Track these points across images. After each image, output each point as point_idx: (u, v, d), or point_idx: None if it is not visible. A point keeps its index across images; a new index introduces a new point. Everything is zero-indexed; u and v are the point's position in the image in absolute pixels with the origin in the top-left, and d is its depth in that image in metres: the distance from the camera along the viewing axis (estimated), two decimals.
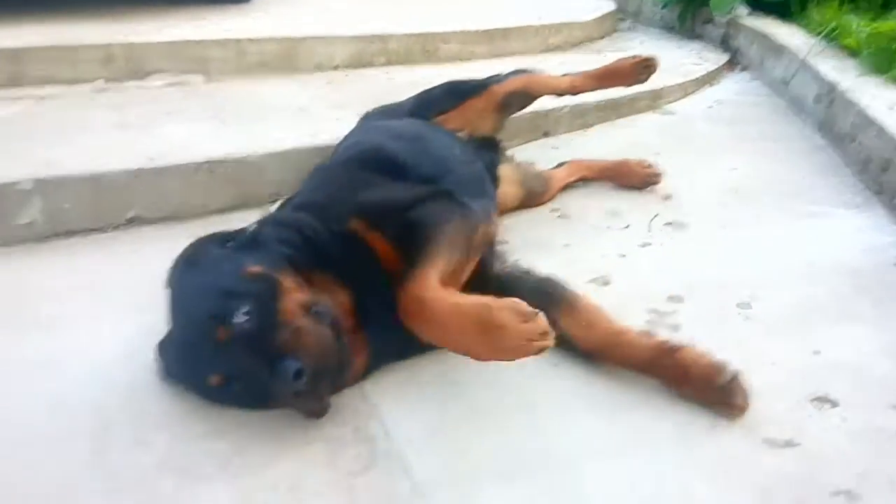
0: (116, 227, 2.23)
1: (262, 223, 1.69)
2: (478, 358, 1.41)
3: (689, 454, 1.40)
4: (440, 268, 1.50)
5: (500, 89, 2.38)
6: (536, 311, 1.33)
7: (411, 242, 1.56)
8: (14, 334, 1.75)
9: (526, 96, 2.48)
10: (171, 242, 1.79)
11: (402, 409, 1.52)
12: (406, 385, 1.59)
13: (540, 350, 1.32)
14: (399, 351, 1.62)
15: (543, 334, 1.32)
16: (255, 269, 1.48)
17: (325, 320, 1.42)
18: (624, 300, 1.82)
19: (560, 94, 2.55)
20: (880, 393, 1.56)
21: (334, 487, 1.34)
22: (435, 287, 1.46)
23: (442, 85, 2.43)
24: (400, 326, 1.51)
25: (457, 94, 2.35)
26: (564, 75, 2.54)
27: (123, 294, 1.91)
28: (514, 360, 1.37)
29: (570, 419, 1.49)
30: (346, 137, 2.25)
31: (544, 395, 1.55)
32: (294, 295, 1.45)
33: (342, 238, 1.61)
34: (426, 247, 1.54)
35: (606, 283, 1.97)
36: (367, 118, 2.37)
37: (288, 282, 1.47)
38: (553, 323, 1.35)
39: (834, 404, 1.53)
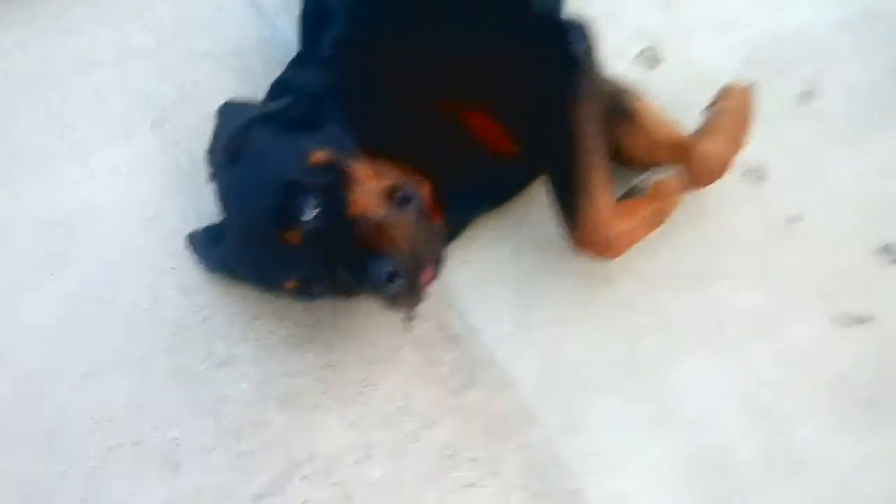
0: None
1: (311, 92, 1.35)
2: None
3: (764, 346, 1.42)
4: (605, 189, 1.33)
5: None
6: None
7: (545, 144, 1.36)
8: None
9: None
10: None
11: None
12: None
13: None
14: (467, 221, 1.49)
15: None
16: (320, 155, 1.24)
17: (411, 207, 1.23)
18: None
19: None
20: None
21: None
22: (613, 222, 1.34)
23: None
24: (479, 207, 1.46)
25: None
26: None
27: None
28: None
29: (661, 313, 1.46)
30: None
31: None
32: (370, 183, 1.23)
33: (424, 117, 1.34)
34: (574, 162, 1.31)
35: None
36: None
37: (361, 169, 1.24)
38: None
39: None
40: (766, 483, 1.31)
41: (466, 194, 1.41)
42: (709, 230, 1.54)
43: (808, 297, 1.48)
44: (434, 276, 1.25)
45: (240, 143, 1.29)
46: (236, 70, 1.66)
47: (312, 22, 1.50)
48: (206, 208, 1.43)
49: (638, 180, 1.40)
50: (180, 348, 1.36)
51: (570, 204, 1.33)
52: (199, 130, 1.54)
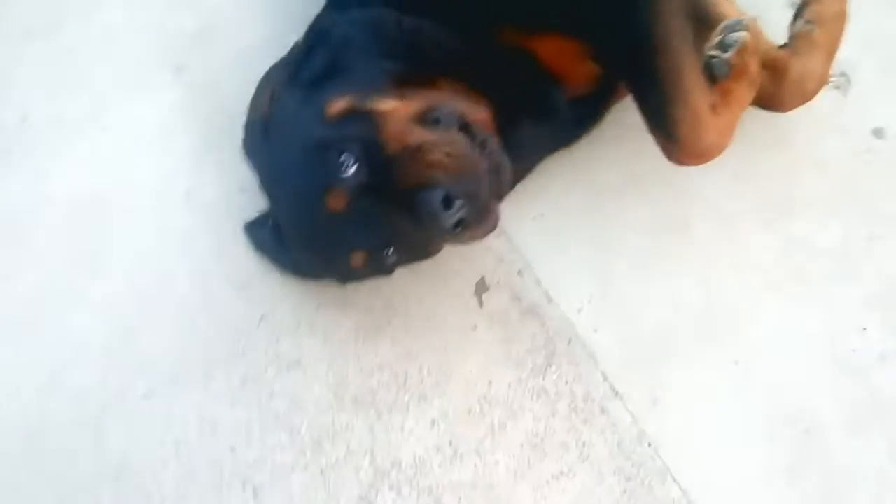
0: None
1: (340, 32, 1.18)
2: None
3: (850, 288, 1.35)
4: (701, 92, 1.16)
5: None
6: None
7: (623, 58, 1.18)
8: None
9: None
10: None
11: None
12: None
13: None
14: (537, 160, 1.35)
15: None
16: (339, 104, 1.09)
17: (447, 123, 1.09)
18: None
19: None
20: None
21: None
22: (713, 125, 1.17)
23: None
24: (547, 146, 1.31)
25: None
26: None
27: None
28: None
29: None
30: None
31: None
32: (398, 113, 1.09)
33: (482, 48, 1.17)
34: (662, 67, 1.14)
35: None
36: None
37: (386, 102, 1.09)
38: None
39: None
40: (853, 435, 1.28)
41: (534, 132, 1.26)
42: (792, 153, 1.42)
43: None
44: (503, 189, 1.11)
45: (267, 111, 1.16)
46: None
47: None
48: (243, 174, 1.26)
49: (711, 49, 1.19)
50: (243, 352, 1.26)
51: (665, 116, 1.16)
52: (227, 72, 1.35)
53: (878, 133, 1.41)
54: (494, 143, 1.10)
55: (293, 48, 1.24)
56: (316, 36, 1.21)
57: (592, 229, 1.36)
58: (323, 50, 1.17)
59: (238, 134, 1.24)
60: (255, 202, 1.27)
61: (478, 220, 1.06)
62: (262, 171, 1.20)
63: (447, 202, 0.98)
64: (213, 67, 1.36)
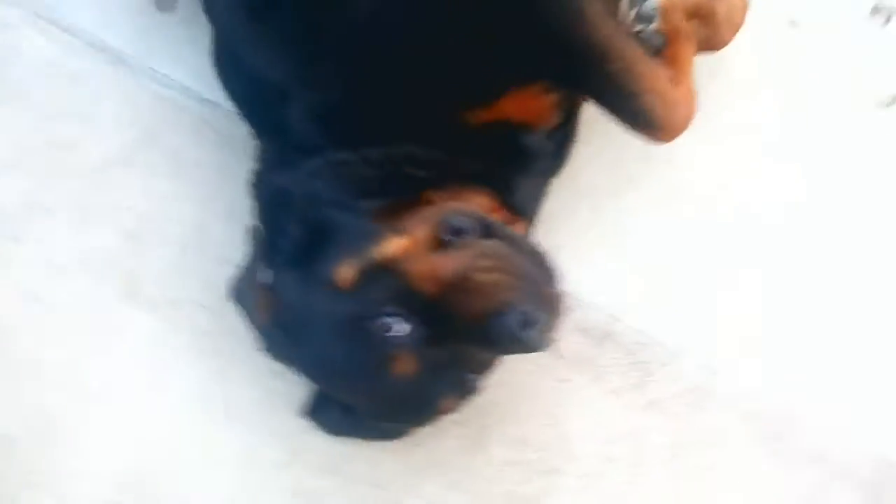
0: None
1: (303, 191, 1.07)
2: None
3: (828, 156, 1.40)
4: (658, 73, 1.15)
5: None
6: None
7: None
8: None
9: None
10: None
11: None
12: None
13: None
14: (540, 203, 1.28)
15: None
16: (346, 270, 0.99)
17: (471, 233, 1.01)
18: None
19: None
20: None
21: None
22: (681, 95, 1.17)
23: None
24: (544, 183, 1.25)
25: None
26: None
27: None
28: None
29: None
30: None
31: None
32: (413, 251, 1.00)
33: (456, 142, 1.09)
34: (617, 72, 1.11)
35: None
36: None
37: (392, 245, 1.00)
38: None
39: None
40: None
41: (529, 183, 1.21)
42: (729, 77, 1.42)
43: (845, 93, 1.44)
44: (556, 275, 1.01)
45: (271, 316, 1.05)
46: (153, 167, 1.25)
47: (261, 108, 1.16)
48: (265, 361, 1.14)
49: (635, 25, 1.19)
50: None
51: (637, 111, 1.15)
52: (181, 270, 1.21)
53: (793, 25, 1.45)
54: (521, 233, 1.06)
55: (253, 232, 1.12)
56: (275, 206, 1.11)
57: (609, 233, 1.34)
58: (293, 218, 1.06)
59: (232, 318, 1.12)
60: (296, 382, 1.16)
61: (557, 316, 1.00)
62: (303, 368, 1.09)
63: (524, 324, 0.92)
64: (163, 269, 1.22)
